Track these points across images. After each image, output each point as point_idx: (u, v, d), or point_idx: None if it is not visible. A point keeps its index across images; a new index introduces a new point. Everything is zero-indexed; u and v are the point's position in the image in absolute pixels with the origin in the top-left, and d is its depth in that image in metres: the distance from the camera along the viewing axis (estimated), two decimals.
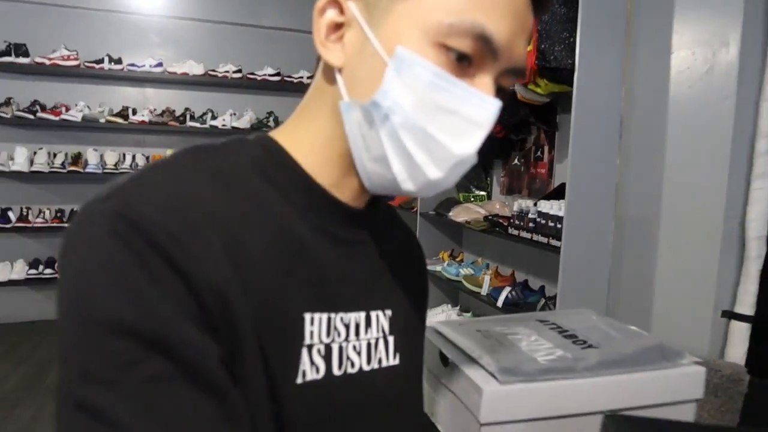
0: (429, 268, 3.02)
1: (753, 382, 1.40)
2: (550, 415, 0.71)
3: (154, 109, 4.52)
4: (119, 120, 4.33)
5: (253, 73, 4.64)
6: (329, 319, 0.53)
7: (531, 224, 2.24)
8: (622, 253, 2.02)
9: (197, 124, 4.48)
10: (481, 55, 0.49)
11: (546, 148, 2.58)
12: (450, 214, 2.90)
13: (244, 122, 4.59)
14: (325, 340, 0.53)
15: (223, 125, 4.53)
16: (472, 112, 0.49)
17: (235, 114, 4.61)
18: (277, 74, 4.68)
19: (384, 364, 0.59)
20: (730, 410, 1.39)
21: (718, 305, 1.68)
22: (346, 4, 0.51)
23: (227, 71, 4.55)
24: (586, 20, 1.87)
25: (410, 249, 0.70)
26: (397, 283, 0.63)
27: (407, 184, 0.51)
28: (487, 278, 2.66)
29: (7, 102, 4.07)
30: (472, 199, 3.09)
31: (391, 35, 0.49)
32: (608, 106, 1.98)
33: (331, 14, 0.52)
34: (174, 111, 4.55)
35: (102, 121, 4.30)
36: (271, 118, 4.71)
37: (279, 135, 0.56)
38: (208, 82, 4.60)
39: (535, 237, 2.20)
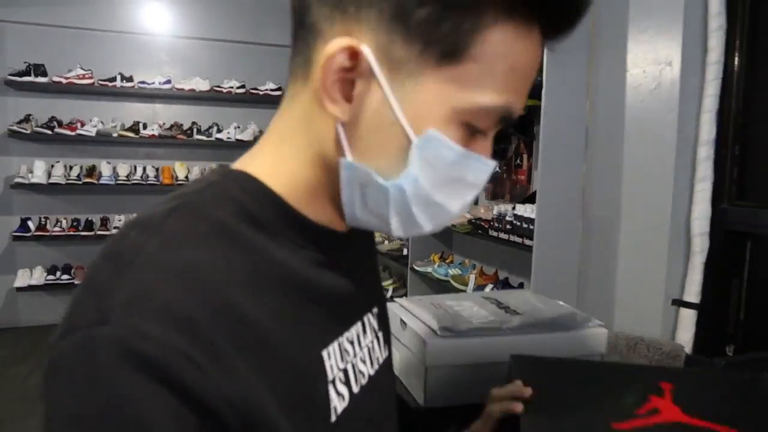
0: (420, 269, 3.25)
1: (688, 357, 1.60)
2: (478, 362, 0.93)
3: (163, 124, 4.67)
4: (131, 134, 4.49)
5: (255, 88, 4.82)
6: (339, 344, 0.51)
7: (508, 226, 2.46)
8: (590, 251, 2.23)
9: (203, 137, 4.65)
10: (495, 124, 0.48)
11: (525, 156, 2.80)
12: None
13: (247, 135, 4.78)
14: (341, 366, 0.51)
15: (228, 138, 4.71)
16: (475, 178, 0.49)
17: (239, 127, 4.80)
18: (279, 89, 4.86)
19: (380, 361, 0.60)
20: None
21: (668, 294, 1.89)
22: (361, 48, 0.43)
23: (231, 87, 4.73)
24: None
25: (365, 234, 0.67)
26: (374, 277, 0.65)
27: (398, 233, 0.50)
28: (472, 277, 2.88)
29: (27, 119, 4.24)
30: None
31: (420, 109, 0.44)
32: (574, 118, 2.20)
33: (341, 59, 0.44)
34: (182, 125, 4.71)
35: (115, 135, 4.45)
36: None
37: (253, 167, 0.50)
38: (214, 97, 4.76)
39: (512, 238, 2.42)
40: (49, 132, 4.29)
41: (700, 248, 1.83)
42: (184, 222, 0.43)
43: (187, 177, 4.67)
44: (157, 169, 4.66)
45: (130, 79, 4.49)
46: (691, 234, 1.84)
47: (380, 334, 0.61)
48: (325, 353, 0.49)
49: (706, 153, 1.80)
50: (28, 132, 4.22)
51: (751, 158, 1.82)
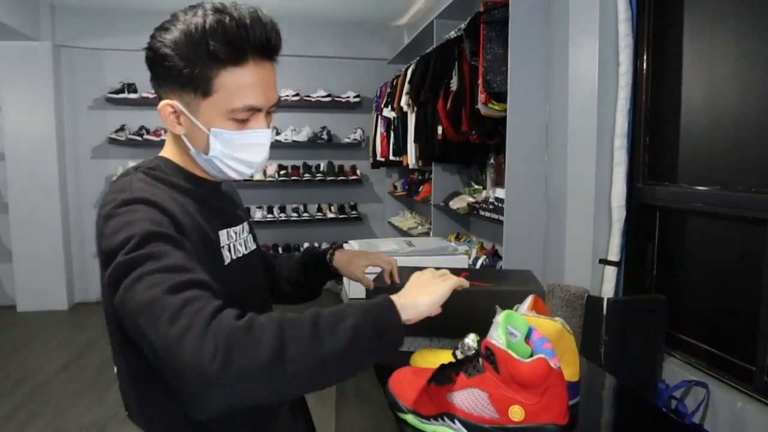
0: None
1: (588, 297, 2.13)
2: None
3: None
4: None
5: (308, 96, 5.45)
6: (227, 231, 1.00)
7: (491, 206, 3.03)
8: (550, 224, 2.76)
9: None
10: (253, 113, 0.90)
11: None
12: (450, 203, 3.71)
13: (302, 136, 5.44)
14: (228, 241, 0.99)
15: (286, 139, 5.41)
16: (257, 140, 0.93)
17: (295, 129, 5.47)
18: (329, 96, 5.48)
19: (250, 248, 1.09)
20: (574, 315, 2.14)
21: (596, 255, 2.41)
22: (173, 104, 0.89)
23: (287, 95, 5.34)
24: (515, 58, 2.66)
25: (234, 193, 1.18)
26: (242, 207, 1.17)
27: (238, 178, 0.98)
28: (474, 251, 3.45)
29: (122, 128, 5.02)
30: (471, 192, 3.87)
31: (207, 119, 0.89)
32: (536, 117, 2.73)
33: (169, 109, 0.90)
34: None
35: None
36: (324, 132, 5.53)
37: (169, 155, 0.98)
38: None
39: (493, 216, 2.98)
40: (140, 138, 5.03)
41: (618, 217, 2.32)
42: (142, 180, 0.90)
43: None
44: None
45: None
46: (611, 206, 2.35)
47: (249, 237, 1.11)
48: (221, 232, 0.98)
49: (620, 143, 2.30)
50: (123, 139, 4.98)
51: (658, 146, 2.31)
